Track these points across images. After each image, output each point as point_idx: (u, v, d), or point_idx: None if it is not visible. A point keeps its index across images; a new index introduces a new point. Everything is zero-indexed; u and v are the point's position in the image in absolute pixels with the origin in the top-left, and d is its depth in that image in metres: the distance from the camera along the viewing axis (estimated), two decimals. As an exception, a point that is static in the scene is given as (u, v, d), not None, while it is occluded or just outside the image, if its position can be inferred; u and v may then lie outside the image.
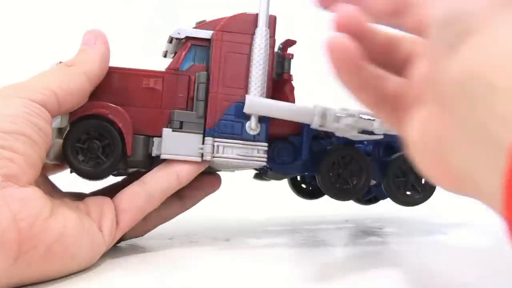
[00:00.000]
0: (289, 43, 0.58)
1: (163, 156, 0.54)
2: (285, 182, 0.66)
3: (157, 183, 0.54)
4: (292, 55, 0.58)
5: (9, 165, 0.45)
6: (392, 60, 0.44)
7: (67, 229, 0.47)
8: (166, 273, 0.51)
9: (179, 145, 0.54)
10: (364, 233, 0.64)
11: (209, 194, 0.60)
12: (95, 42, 0.54)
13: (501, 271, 0.48)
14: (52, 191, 0.54)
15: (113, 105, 0.54)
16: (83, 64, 0.52)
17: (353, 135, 0.55)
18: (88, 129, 0.53)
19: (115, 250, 0.55)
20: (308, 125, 0.56)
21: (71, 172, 0.60)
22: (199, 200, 0.60)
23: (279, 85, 0.58)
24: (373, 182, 0.61)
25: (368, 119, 0.54)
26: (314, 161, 0.58)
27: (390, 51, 0.45)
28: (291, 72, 0.58)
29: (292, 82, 0.58)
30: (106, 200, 0.54)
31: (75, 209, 0.51)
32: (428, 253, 0.55)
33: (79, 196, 0.55)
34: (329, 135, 0.59)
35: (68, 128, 0.53)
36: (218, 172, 0.61)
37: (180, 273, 0.51)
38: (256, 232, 0.69)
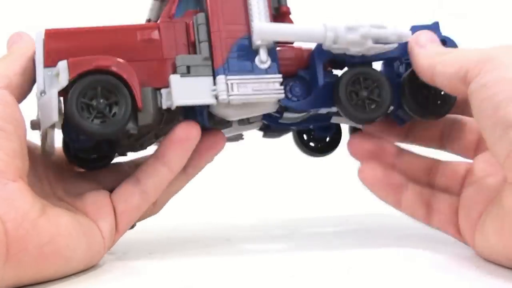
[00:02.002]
0: None
1: (176, 103, 0.50)
2: (285, 182, 0.63)
3: (149, 179, 0.53)
4: None
5: None
6: (435, 179, 0.56)
7: (59, 230, 0.45)
8: (166, 273, 0.50)
9: (190, 90, 0.51)
10: (365, 232, 0.63)
11: (213, 157, 0.56)
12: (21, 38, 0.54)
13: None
14: (51, 189, 0.52)
15: (114, 57, 0.50)
16: (19, 48, 0.52)
17: (369, 47, 0.52)
18: (93, 84, 0.49)
19: (115, 250, 0.55)
20: (318, 50, 0.54)
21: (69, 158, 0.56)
22: (202, 167, 0.57)
23: (278, 21, 0.55)
24: None
25: (380, 27, 0.52)
26: (329, 93, 0.55)
27: (432, 172, 0.57)
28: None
29: (290, 16, 0.56)
30: (106, 200, 0.52)
31: (72, 209, 0.49)
32: (429, 253, 0.53)
33: (84, 193, 0.54)
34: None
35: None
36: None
37: (180, 273, 0.50)
38: (257, 231, 0.67)
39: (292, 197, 0.70)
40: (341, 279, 0.46)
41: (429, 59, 0.51)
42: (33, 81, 0.51)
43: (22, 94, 0.50)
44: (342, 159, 0.66)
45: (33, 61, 0.51)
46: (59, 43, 0.50)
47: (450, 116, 0.57)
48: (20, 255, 0.42)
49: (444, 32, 0.57)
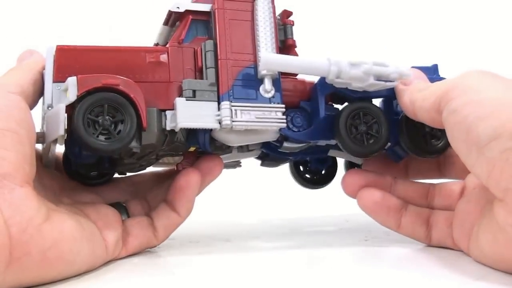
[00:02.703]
0: (287, 13, 0.58)
1: (180, 125, 0.51)
2: (286, 182, 0.64)
3: (160, 221, 0.57)
4: (293, 21, 0.58)
5: (1, 164, 0.44)
6: (434, 202, 0.57)
7: (63, 235, 0.45)
8: (166, 273, 0.50)
9: (194, 114, 0.52)
10: (364, 233, 0.63)
11: (210, 182, 0.59)
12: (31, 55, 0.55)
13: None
14: (56, 196, 0.53)
15: (122, 76, 0.51)
16: (30, 62, 0.53)
17: (370, 83, 0.54)
18: (100, 101, 0.49)
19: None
20: (321, 83, 0.56)
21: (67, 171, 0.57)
22: (201, 191, 0.59)
23: (284, 53, 0.57)
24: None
25: (382, 65, 0.54)
26: (329, 126, 0.56)
27: (429, 196, 0.58)
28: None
29: (296, 49, 0.58)
30: (115, 213, 0.55)
31: (77, 215, 0.50)
32: (428, 253, 0.54)
33: (92, 202, 0.56)
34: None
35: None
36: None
37: (181, 273, 0.50)
38: (256, 233, 0.67)
39: (292, 197, 0.70)
40: (341, 278, 0.47)
41: (410, 96, 0.53)
42: (41, 93, 0.52)
43: (31, 104, 0.51)
44: (341, 159, 0.68)
45: (42, 75, 0.52)
46: (69, 60, 0.51)
47: None
48: (23, 259, 0.42)
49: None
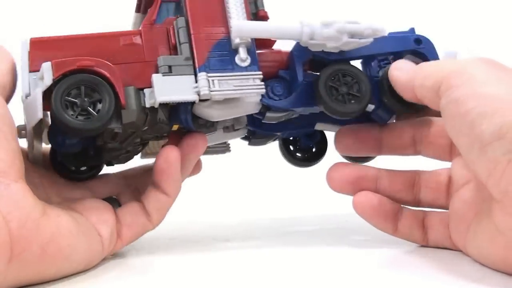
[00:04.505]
0: None
1: (158, 100, 0.51)
2: (285, 182, 0.64)
3: (150, 203, 0.55)
4: None
5: None
6: (420, 194, 0.57)
7: (60, 229, 0.45)
8: (165, 272, 0.50)
9: (172, 88, 0.52)
10: (364, 234, 0.63)
11: (196, 158, 0.57)
12: None
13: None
14: (46, 194, 0.53)
15: (96, 58, 0.51)
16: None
17: (344, 42, 0.54)
18: (77, 83, 0.50)
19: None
20: (297, 48, 0.56)
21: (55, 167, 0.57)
22: (189, 171, 0.58)
23: None
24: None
25: (355, 22, 0.54)
26: (310, 91, 0.56)
27: (415, 186, 0.57)
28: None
29: (269, 20, 0.58)
30: (107, 206, 0.54)
31: (71, 211, 0.50)
32: (428, 255, 0.54)
33: (82, 198, 0.56)
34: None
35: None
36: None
37: (180, 274, 0.50)
38: (256, 232, 0.67)
39: (292, 196, 0.70)
40: (340, 279, 0.46)
41: (407, 75, 0.53)
42: (15, 85, 0.52)
43: (10, 94, 0.51)
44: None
45: (13, 65, 0.52)
46: (44, 51, 0.52)
47: (419, 119, 0.58)
48: (23, 255, 0.42)
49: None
